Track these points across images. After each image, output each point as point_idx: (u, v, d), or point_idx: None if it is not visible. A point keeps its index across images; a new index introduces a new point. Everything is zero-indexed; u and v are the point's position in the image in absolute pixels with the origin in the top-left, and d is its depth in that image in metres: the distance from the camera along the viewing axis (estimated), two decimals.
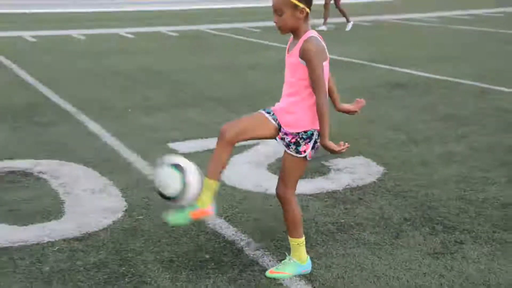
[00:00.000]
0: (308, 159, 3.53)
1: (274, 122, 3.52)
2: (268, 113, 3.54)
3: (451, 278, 3.55)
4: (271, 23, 3.65)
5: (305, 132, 3.49)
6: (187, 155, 5.75)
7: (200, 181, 3.47)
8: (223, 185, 5.04)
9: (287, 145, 3.52)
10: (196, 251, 3.91)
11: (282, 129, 3.52)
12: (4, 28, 16.61)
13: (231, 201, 4.73)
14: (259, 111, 3.58)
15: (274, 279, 3.57)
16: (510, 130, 6.52)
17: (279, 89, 3.61)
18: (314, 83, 3.43)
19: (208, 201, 3.48)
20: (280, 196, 3.62)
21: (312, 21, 3.56)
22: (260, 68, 10.38)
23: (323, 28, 15.89)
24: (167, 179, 3.42)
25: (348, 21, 16.65)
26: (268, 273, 3.61)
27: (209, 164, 3.48)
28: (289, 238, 3.67)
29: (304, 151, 3.50)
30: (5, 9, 21.98)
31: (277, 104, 3.58)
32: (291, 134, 3.49)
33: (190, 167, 3.45)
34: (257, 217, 4.42)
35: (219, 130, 3.46)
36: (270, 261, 3.76)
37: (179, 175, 3.39)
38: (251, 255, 3.85)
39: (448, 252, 3.86)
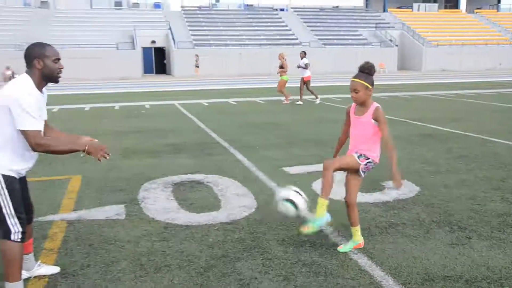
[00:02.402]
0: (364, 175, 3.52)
1: (358, 160, 3.47)
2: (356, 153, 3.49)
3: (462, 260, 3.38)
4: (348, 96, 3.64)
5: (371, 162, 3.46)
6: (293, 175, 5.83)
7: (305, 201, 3.46)
8: (316, 195, 5.00)
9: (363, 172, 3.49)
10: (298, 235, 3.88)
11: (361, 163, 3.46)
12: (191, 98, 17.32)
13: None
14: (352, 154, 3.49)
15: (347, 253, 3.51)
16: (501, 167, 6.09)
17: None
18: (385, 133, 3.42)
19: (323, 214, 3.40)
20: (351, 203, 3.55)
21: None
22: (332, 121, 10.26)
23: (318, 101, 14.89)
24: (287, 211, 3.45)
25: (316, 97, 15.09)
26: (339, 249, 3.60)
27: (322, 188, 3.41)
28: (354, 228, 3.60)
29: (364, 172, 3.50)
30: (193, 87, 23.09)
31: (354, 151, 3.50)
32: (365, 165, 3.46)
33: (297, 198, 3.43)
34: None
35: (322, 165, 3.44)
36: (344, 243, 3.68)
37: (292, 206, 3.42)
38: (332, 239, 3.79)
39: (461, 244, 3.66)
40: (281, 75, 15.24)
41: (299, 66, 15.27)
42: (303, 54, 15.59)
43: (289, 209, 3.41)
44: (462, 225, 4.06)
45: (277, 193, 3.53)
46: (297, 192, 3.47)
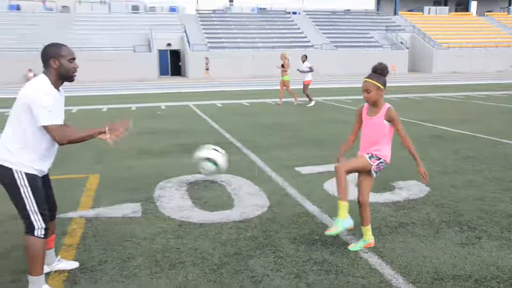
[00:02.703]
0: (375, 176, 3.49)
1: (370, 161, 3.45)
2: (367, 154, 3.47)
3: (472, 260, 3.34)
4: (359, 97, 3.62)
5: (382, 162, 3.45)
6: (304, 175, 5.80)
7: (222, 156, 3.43)
8: (328, 194, 4.99)
9: (375, 172, 3.46)
10: (310, 234, 3.89)
11: (373, 164, 3.44)
12: (206, 99, 17.37)
13: (330, 204, 4.66)
14: (363, 155, 3.47)
15: (357, 252, 3.50)
16: (511, 167, 6.03)
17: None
18: (401, 130, 3.43)
19: (346, 216, 3.40)
20: (364, 203, 3.53)
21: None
22: (343, 121, 10.20)
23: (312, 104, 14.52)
24: (208, 169, 3.42)
25: (310, 100, 14.59)
26: (349, 248, 3.57)
27: (339, 192, 3.39)
28: (365, 227, 3.59)
29: (376, 172, 3.48)
30: (207, 89, 23.13)
31: (365, 150, 3.47)
32: (376, 165, 3.44)
33: (215, 155, 3.40)
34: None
35: (334, 169, 3.42)
36: (355, 242, 3.67)
37: (212, 164, 3.40)
38: (343, 238, 3.78)
39: (471, 244, 3.62)
40: (282, 75, 15.15)
41: (301, 71, 15.13)
42: (304, 58, 15.46)
43: (210, 167, 3.37)
44: (472, 225, 4.01)
45: (195, 155, 3.46)
46: (215, 149, 3.41)
